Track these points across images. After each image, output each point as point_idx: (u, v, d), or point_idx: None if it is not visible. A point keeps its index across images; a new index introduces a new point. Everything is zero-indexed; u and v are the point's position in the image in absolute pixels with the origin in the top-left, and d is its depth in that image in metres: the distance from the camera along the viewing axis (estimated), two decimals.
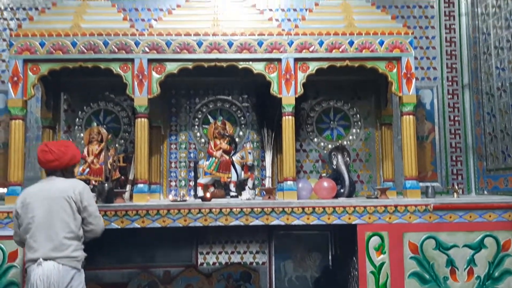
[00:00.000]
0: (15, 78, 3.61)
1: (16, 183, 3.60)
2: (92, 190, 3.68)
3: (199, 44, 3.71)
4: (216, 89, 4.47)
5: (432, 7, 4.68)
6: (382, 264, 3.51)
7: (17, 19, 4.47)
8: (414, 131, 3.75)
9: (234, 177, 4.10)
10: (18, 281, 3.40)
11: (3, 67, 4.43)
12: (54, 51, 3.62)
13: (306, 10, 4.24)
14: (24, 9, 4.50)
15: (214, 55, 3.71)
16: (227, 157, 4.12)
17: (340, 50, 3.74)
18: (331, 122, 4.47)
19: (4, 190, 3.78)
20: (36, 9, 4.45)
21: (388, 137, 4.24)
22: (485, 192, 4.21)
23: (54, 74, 3.80)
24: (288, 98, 3.71)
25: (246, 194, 4.05)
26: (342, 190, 3.96)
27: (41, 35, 3.63)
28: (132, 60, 3.67)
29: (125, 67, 3.68)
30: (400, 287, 3.48)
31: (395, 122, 4.33)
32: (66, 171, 3.03)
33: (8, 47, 4.20)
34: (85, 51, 3.64)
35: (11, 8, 4.51)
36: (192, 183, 4.33)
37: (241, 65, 3.74)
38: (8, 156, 3.70)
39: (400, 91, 3.75)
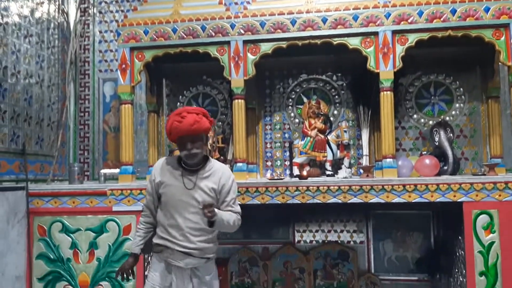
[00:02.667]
0: (123, 66, 3.87)
1: (127, 163, 3.88)
2: None
3: (293, 22, 3.71)
4: (309, 69, 4.45)
5: None
6: (491, 244, 3.32)
7: (122, 10, 4.80)
8: None
9: (330, 156, 4.07)
10: None
11: (111, 57, 4.79)
12: (156, 38, 3.83)
13: None
14: (127, 0, 4.81)
15: (308, 32, 3.70)
16: (322, 136, 4.10)
17: (442, 19, 3.54)
18: (432, 97, 4.26)
19: (116, 170, 4.11)
20: (138, 0, 4.73)
21: (495, 110, 3.94)
22: None
23: (157, 61, 4.01)
24: (386, 73, 3.60)
25: (343, 172, 4.03)
26: (445, 168, 3.78)
27: (144, 24, 3.85)
28: (228, 43, 3.77)
29: (222, 50, 3.79)
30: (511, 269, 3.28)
31: (503, 97, 4.03)
32: None
33: (115, 37, 4.55)
34: (185, 36, 3.80)
35: (116, 1, 4.84)
36: (287, 163, 4.39)
37: (336, 41, 3.69)
38: (119, 139, 4.00)
39: (509, 60, 3.48)
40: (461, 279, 3.58)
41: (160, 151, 4.45)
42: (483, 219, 3.35)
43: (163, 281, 2.69)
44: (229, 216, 2.66)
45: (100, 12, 4.86)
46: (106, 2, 4.86)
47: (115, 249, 3.70)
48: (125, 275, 2.81)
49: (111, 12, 4.84)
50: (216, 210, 2.54)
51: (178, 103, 4.59)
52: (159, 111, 4.49)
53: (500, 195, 3.33)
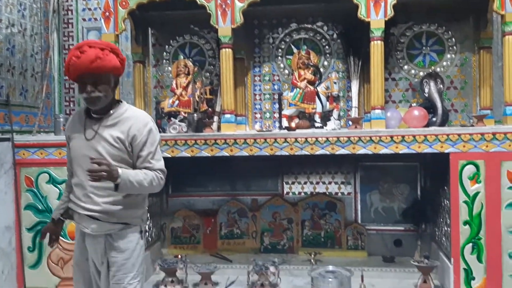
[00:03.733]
0: (107, 14, 3.74)
1: None
2: (182, 121, 3.85)
3: None
4: (299, 18, 4.33)
5: None
6: (476, 194, 3.36)
7: None
8: None
9: (319, 108, 4.03)
10: None
11: (95, 5, 4.64)
12: None
13: None
14: None
15: None
16: (312, 88, 4.04)
17: None
18: (424, 48, 4.18)
19: None
20: None
21: (487, 61, 3.90)
22: None
23: (142, 9, 3.86)
24: (377, 22, 3.51)
25: (332, 124, 4.00)
26: (434, 119, 3.76)
27: None
28: None
29: None
30: (496, 218, 3.33)
31: (495, 49, 3.97)
32: None
33: None
34: None
35: None
36: (276, 115, 4.35)
37: None
38: None
39: (503, 8, 3.41)
40: (445, 228, 3.65)
41: (146, 102, 4.39)
42: (469, 169, 3.37)
43: (82, 254, 2.38)
44: (143, 175, 2.22)
45: None
46: None
47: None
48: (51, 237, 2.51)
49: None
50: (120, 170, 2.14)
51: (165, 53, 4.49)
52: (145, 61, 4.39)
53: (487, 146, 3.34)
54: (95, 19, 4.63)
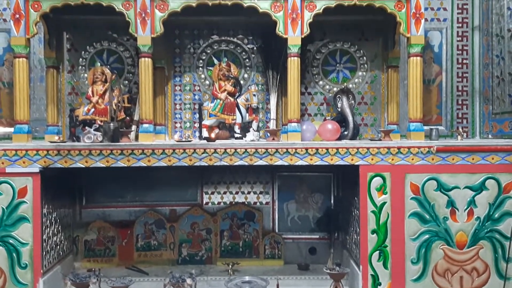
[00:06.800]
0: (17, 16, 3.54)
1: (22, 121, 3.62)
2: (98, 130, 3.73)
3: None
4: (220, 30, 4.39)
5: None
6: (383, 204, 3.58)
7: None
8: (420, 73, 3.70)
9: (239, 119, 4.11)
10: (29, 216, 3.50)
11: (4, 5, 4.36)
12: None
13: None
14: None
15: None
16: (232, 99, 4.11)
17: None
18: (337, 65, 4.40)
19: (11, 129, 3.83)
20: None
21: (394, 79, 4.19)
22: (490, 136, 4.20)
23: (56, 12, 3.71)
24: (294, 39, 3.64)
25: (251, 135, 4.08)
26: (346, 133, 3.97)
27: None
28: None
29: (128, 5, 3.60)
30: (400, 226, 3.57)
31: (402, 67, 4.27)
32: None
33: None
34: None
35: None
36: (197, 125, 4.36)
37: (246, 3, 3.65)
38: (13, 95, 3.71)
39: (408, 31, 3.68)
40: (355, 236, 3.84)
41: (60, 109, 4.21)
42: (377, 181, 3.59)
43: None
44: None
45: None
46: None
47: (10, 213, 3.48)
48: None
49: None
50: None
51: (81, 59, 4.33)
52: (59, 66, 4.20)
53: (392, 159, 3.57)
54: (5, 20, 4.32)
